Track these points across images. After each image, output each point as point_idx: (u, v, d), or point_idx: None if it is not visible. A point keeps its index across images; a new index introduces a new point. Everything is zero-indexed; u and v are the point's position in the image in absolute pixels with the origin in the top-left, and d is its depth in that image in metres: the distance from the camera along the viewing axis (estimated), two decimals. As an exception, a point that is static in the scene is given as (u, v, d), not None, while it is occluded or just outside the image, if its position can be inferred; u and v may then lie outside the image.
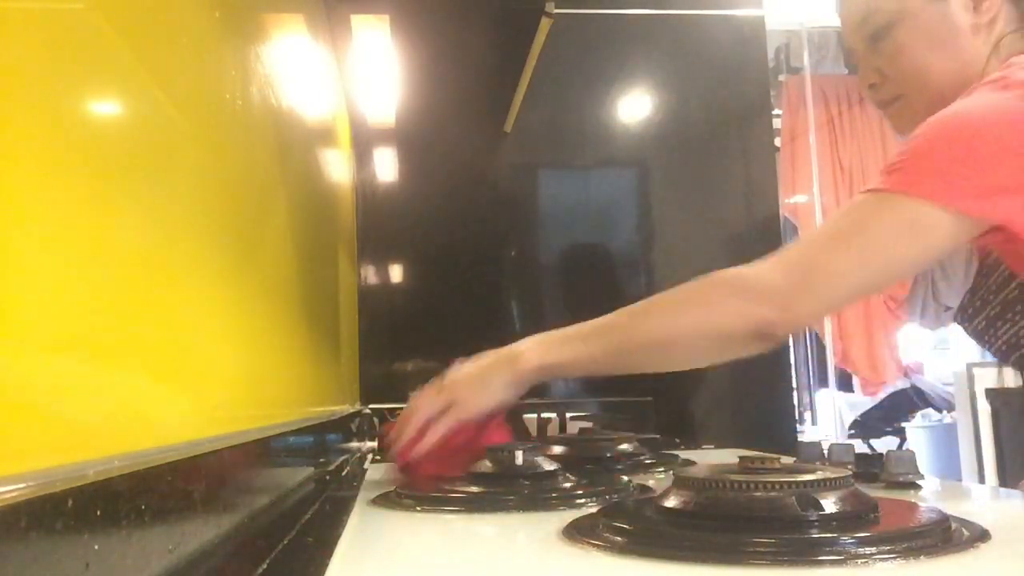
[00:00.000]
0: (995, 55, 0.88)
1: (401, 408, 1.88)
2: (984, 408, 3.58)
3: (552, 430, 1.61)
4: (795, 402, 3.08)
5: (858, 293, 0.81)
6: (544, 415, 1.62)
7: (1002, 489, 0.92)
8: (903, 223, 0.76)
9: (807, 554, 0.49)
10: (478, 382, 0.89)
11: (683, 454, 1.21)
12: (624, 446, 1.13)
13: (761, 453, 0.99)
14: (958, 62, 0.88)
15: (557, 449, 1.11)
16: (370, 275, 2.00)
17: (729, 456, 1.29)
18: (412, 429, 0.88)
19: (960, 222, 0.75)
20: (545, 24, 1.40)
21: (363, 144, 2.02)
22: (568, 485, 0.81)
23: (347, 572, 0.53)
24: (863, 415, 4.44)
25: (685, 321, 0.84)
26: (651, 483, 0.84)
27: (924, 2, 0.89)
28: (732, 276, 0.83)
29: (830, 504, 0.53)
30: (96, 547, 0.36)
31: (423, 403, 0.89)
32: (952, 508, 0.58)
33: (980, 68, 0.87)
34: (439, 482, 0.80)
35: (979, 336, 1.05)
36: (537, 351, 0.88)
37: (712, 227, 2.08)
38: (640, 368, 0.89)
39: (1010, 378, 3.67)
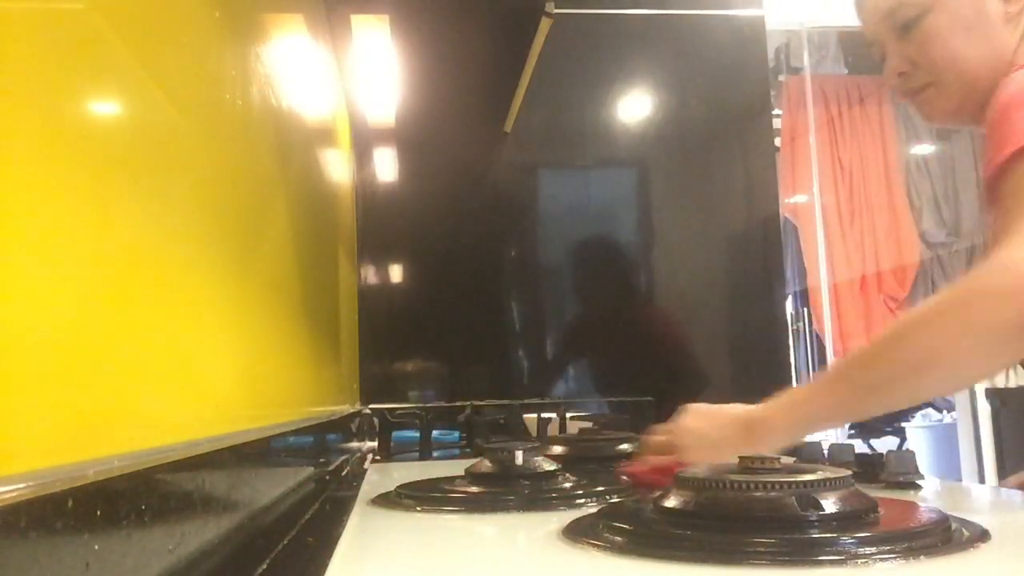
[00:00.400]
0: (1022, 48, 0.89)
1: (401, 408, 1.88)
2: (984, 408, 3.58)
3: (552, 430, 1.61)
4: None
5: None
6: (544, 415, 1.62)
7: (1002, 489, 0.92)
8: None
9: (807, 554, 0.49)
10: (709, 443, 0.83)
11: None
12: (624, 446, 1.13)
13: (761, 453, 0.98)
14: (989, 50, 0.89)
15: (557, 449, 1.11)
16: (370, 275, 2.00)
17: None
18: (642, 462, 0.87)
19: None
20: (545, 24, 1.40)
21: (363, 144, 2.02)
22: (568, 485, 0.81)
23: (347, 572, 0.53)
24: (863, 415, 4.43)
25: (947, 330, 0.72)
26: (651, 483, 0.84)
27: None
28: (982, 269, 0.73)
29: (830, 504, 0.53)
30: (96, 547, 0.36)
31: (655, 444, 0.87)
32: (952, 508, 0.58)
33: (1010, 57, 0.88)
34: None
35: (989, 201, 0.95)
36: (781, 418, 0.80)
37: (712, 227, 2.08)
38: (900, 403, 0.78)
39: (1010, 378, 3.67)
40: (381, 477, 1.10)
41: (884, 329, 0.78)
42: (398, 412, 1.81)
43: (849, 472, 0.58)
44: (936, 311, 0.74)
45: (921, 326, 0.74)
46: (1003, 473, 3.44)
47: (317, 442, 1.12)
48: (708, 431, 0.84)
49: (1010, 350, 0.71)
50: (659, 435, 0.88)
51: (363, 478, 1.07)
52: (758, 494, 0.53)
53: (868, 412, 0.82)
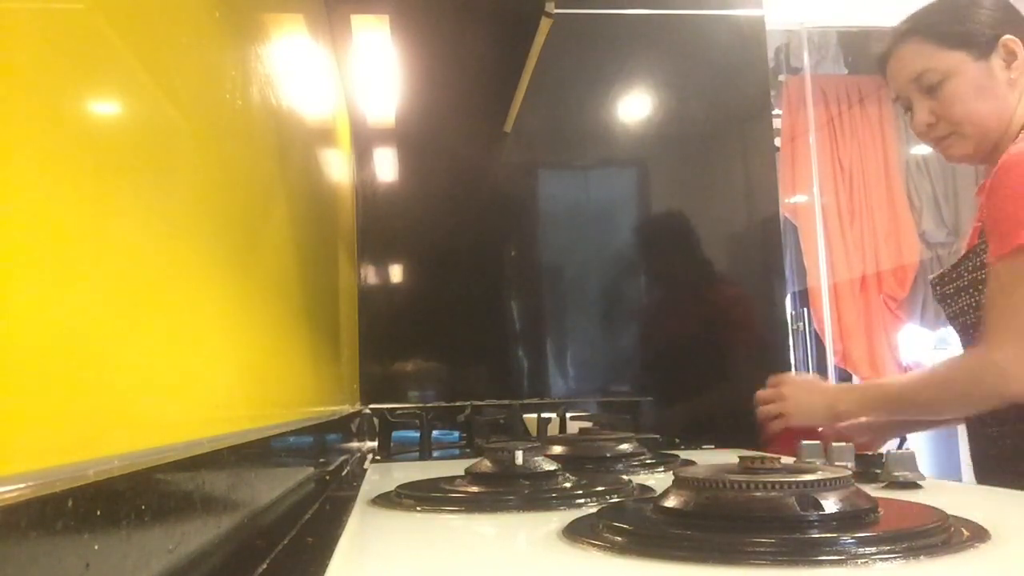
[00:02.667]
0: (1022, 104, 1.14)
1: (401, 408, 1.88)
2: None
3: (552, 430, 1.61)
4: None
5: None
6: (544, 415, 1.62)
7: (1002, 489, 0.91)
8: None
9: (807, 554, 0.49)
10: (807, 407, 1.26)
11: (683, 454, 1.21)
12: (624, 446, 1.13)
13: (761, 453, 0.99)
14: (997, 107, 1.13)
15: (557, 449, 1.11)
16: (370, 275, 2.00)
17: (729, 456, 1.29)
18: (762, 415, 1.30)
19: None
20: (545, 24, 1.40)
21: (363, 144, 2.02)
22: (568, 485, 0.81)
23: (347, 572, 0.53)
24: (863, 415, 4.43)
25: (949, 398, 1.13)
26: (651, 483, 0.84)
27: (971, 62, 1.13)
28: (979, 362, 1.07)
29: (830, 504, 0.53)
30: (96, 547, 0.36)
31: (766, 397, 1.30)
32: (952, 508, 0.58)
33: (1012, 112, 1.13)
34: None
35: (943, 299, 1.25)
36: (850, 405, 1.24)
37: (712, 227, 2.08)
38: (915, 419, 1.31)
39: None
40: (381, 477, 1.10)
41: (923, 380, 1.19)
42: (398, 412, 1.81)
43: (849, 472, 0.58)
44: (949, 382, 1.11)
45: (938, 389, 1.13)
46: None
47: (317, 442, 1.12)
48: (807, 397, 1.25)
49: (985, 409, 1.10)
50: (768, 398, 1.27)
51: (363, 478, 1.07)
52: (758, 494, 0.53)
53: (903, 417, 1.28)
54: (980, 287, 1.12)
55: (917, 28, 1.18)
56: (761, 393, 1.32)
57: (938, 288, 1.26)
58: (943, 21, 1.16)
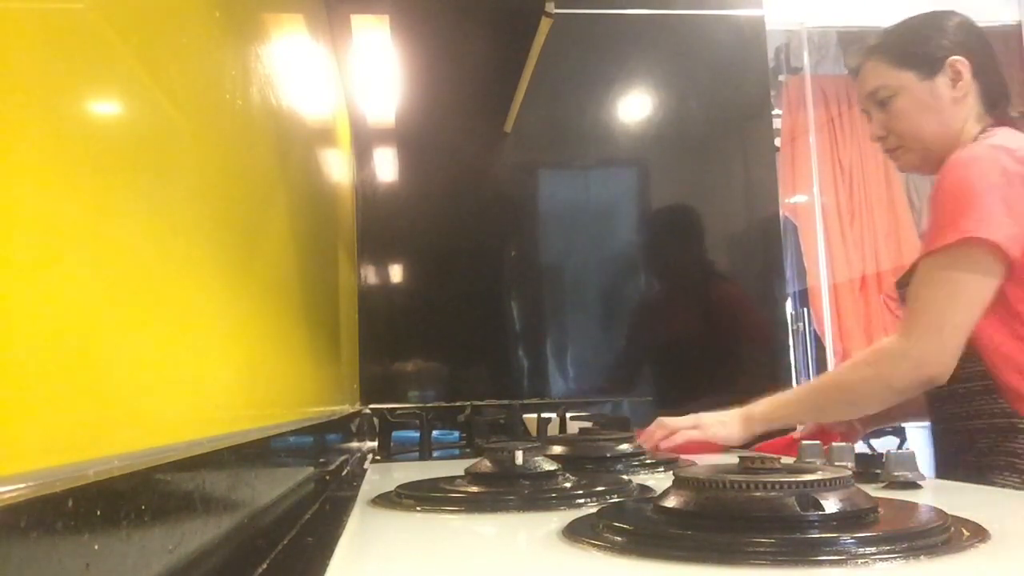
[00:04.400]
0: (968, 123, 1.20)
1: (401, 408, 1.88)
2: (984, 408, 3.57)
3: (552, 430, 1.61)
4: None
5: (967, 330, 1.09)
6: (544, 415, 1.62)
7: (1002, 489, 0.92)
8: (966, 267, 1.07)
9: (807, 554, 0.49)
10: (718, 419, 1.28)
11: (683, 454, 1.21)
12: (624, 446, 1.13)
13: (761, 453, 0.99)
14: (942, 125, 1.21)
15: (557, 449, 1.11)
16: (370, 275, 2.00)
17: (729, 456, 1.29)
18: (663, 431, 1.28)
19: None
20: (545, 24, 1.40)
21: (363, 144, 2.02)
22: (568, 485, 0.81)
23: (347, 572, 0.53)
24: (863, 415, 4.42)
25: (870, 390, 1.16)
26: (651, 483, 0.84)
27: (917, 80, 1.21)
28: (893, 349, 1.13)
29: (830, 504, 0.53)
30: (96, 547, 0.36)
31: (674, 422, 1.29)
32: (952, 508, 0.58)
33: (959, 130, 1.20)
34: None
35: (902, 297, 1.28)
36: (763, 413, 1.26)
37: (712, 227, 2.08)
38: (836, 418, 1.30)
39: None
40: (381, 477, 1.10)
41: (833, 375, 1.31)
42: (398, 412, 1.81)
43: (849, 472, 0.58)
44: (869, 371, 1.16)
45: (852, 385, 1.19)
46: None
47: (317, 442, 1.12)
48: (719, 415, 1.28)
49: (907, 397, 1.16)
50: (670, 421, 1.29)
51: (363, 478, 1.07)
52: (758, 494, 0.53)
53: (813, 421, 1.31)
54: None
55: (878, 47, 1.26)
56: (668, 418, 1.31)
57: (901, 288, 1.29)
58: (898, 42, 1.24)
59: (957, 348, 1.08)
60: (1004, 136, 1.15)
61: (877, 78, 1.25)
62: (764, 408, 1.25)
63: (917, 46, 1.22)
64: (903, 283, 1.27)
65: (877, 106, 1.25)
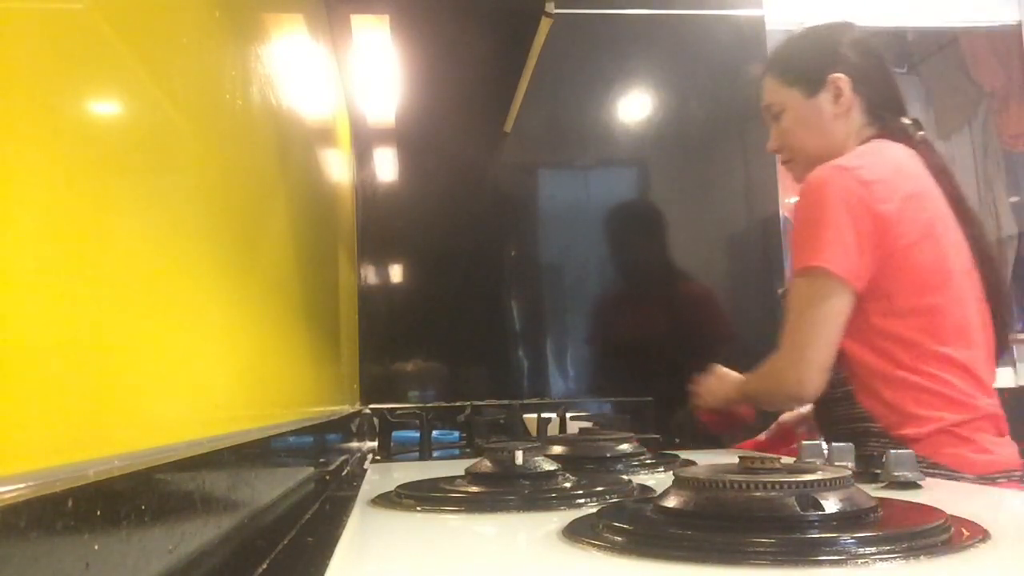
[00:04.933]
0: (851, 137, 1.26)
1: (401, 408, 1.88)
2: (984, 408, 3.57)
3: (552, 430, 1.61)
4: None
5: (832, 347, 1.16)
6: (544, 415, 1.62)
7: (1002, 489, 0.92)
8: (822, 289, 1.15)
9: (807, 554, 0.49)
10: (713, 392, 1.43)
11: (683, 454, 1.21)
12: (624, 446, 1.13)
13: (761, 453, 0.99)
14: (825, 140, 1.26)
15: (557, 449, 1.11)
16: (370, 275, 2.00)
17: (729, 456, 1.29)
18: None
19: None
20: (545, 24, 1.40)
21: (363, 144, 2.02)
22: (568, 485, 0.81)
23: (347, 572, 0.53)
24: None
25: (762, 392, 1.32)
26: (651, 483, 0.84)
27: (802, 98, 1.28)
28: (773, 366, 1.24)
29: (830, 504, 0.53)
30: (96, 547, 0.36)
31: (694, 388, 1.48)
32: (952, 508, 0.58)
33: (841, 143, 1.25)
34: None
35: (784, 308, 1.38)
36: (734, 391, 1.39)
37: (712, 227, 2.08)
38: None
39: (1010, 378, 3.66)
40: (381, 477, 1.10)
41: (752, 377, 1.33)
42: (398, 412, 1.81)
43: (849, 472, 0.58)
44: (762, 387, 1.30)
45: (759, 391, 1.32)
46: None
47: (317, 442, 1.12)
48: (714, 387, 1.43)
49: (787, 407, 1.43)
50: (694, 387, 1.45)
51: (363, 478, 1.07)
52: (758, 494, 0.53)
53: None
54: None
55: (769, 64, 1.36)
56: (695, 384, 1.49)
57: (782, 301, 1.38)
58: (786, 60, 1.33)
59: (820, 366, 1.15)
60: (866, 150, 1.21)
61: (769, 94, 1.33)
62: (736, 387, 1.39)
63: (801, 64, 1.29)
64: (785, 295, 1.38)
65: (772, 120, 1.34)
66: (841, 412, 1.20)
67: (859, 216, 1.12)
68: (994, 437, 1.16)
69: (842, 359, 1.17)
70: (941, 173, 1.24)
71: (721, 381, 1.42)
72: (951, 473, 1.06)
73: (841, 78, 1.25)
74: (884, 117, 1.26)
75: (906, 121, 1.27)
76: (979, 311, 1.20)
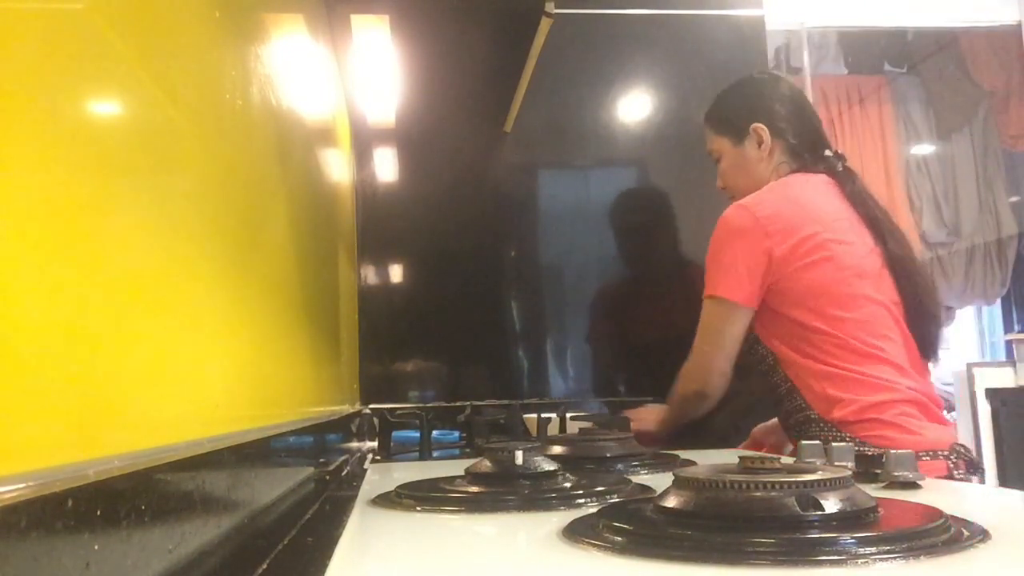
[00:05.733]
0: (774, 173, 1.48)
1: (401, 408, 1.88)
2: (984, 408, 3.58)
3: (552, 430, 1.61)
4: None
5: (727, 356, 1.42)
6: (544, 415, 1.62)
7: (1002, 489, 0.92)
8: (717, 311, 1.41)
9: (807, 554, 0.49)
10: (642, 417, 1.59)
11: (683, 454, 1.21)
12: (624, 446, 1.13)
13: (761, 453, 0.99)
14: (753, 180, 1.48)
15: (557, 449, 1.11)
16: (370, 275, 2.00)
17: (729, 456, 1.29)
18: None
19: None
20: (545, 24, 1.40)
21: (363, 144, 2.02)
22: (568, 485, 0.81)
23: (347, 572, 0.53)
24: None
25: (684, 402, 1.51)
26: (651, 483, 0.84)
27: (732, 146, 1.51)
28: (684, 370, 1.49)
29: (830, 504, 0.53)
30: (96, 547, 0.36)
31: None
32: (952, 508, 0.58)
33: (766, 180, 1.46)
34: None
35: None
36: (658, 417, 1.58)
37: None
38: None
39: (1010, 378, 3.67)
40: (381, 477, 1.10)
41: (673, 394, 1.54)
42: (398, 412, 1.81)
43: (849, 472, 0.58)
44: (679, 394, 1.51)
45: (680, 399, 1.51)
46: (1003, 473, 3.44)
47: (317, 442, 1.12)
48: (644, 417, 1.58)
49: (697, 410, 1.50)
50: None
51: (363, 478, 1.07)
52: (758, 494, 0.53)
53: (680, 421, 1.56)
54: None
55: (706, 117, 1.56)
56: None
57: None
58: (716, 113, 1.54)
59: (720, 372, 1.42)
60: (769, 187, 1.43)
61: (708, 142, 1.56)
62: (665, 412, 1.57)
63: (729, 115, 1.51)
64: None
65: (716, 163, 1.56)
66: (788, 405, 1.40)
67: (751, 248, 1.36)
68: (920, 420, 1.32)
69: (780, 361, 1.39)
70: (856, 197, 1.44)
71: (651, 411, 1.61)
72: (878, 450, 1.16)
73: (760, 127, 1.47)
74: (804, 155, 1.47)
75: (828, 154, 1.48)
76: (893, 310, 1.38)
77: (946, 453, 1.29)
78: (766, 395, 1.47)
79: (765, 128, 1.47)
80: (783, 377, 1.39)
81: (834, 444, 0.87)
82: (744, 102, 1.52)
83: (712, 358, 1.42)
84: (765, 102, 1.50)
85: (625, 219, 2.10)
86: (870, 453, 1.14)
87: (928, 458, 1.25)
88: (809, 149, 1.48)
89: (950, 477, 1.26)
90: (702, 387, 1.44)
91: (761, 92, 1.52)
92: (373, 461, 1.41)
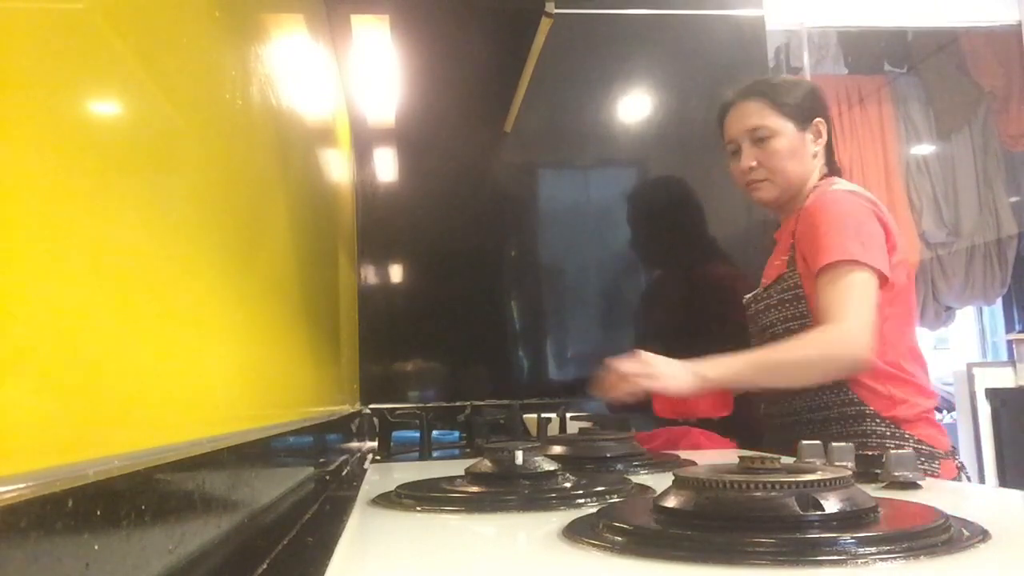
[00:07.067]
0: (815, 172, 1.47)
1: (401, 408, 1.87)
2: (984, 408, 3.58)
3: (552, 430, 1.61)
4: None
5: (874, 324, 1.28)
6: (544, 415, 1.62)
7: (1002, 489, 0.92)
8: (860, 278, 1.29)
9: (807, 554, 0.49)
10: (671, 372, 1.30)
11: (683, 454, 1.21)
12: (624, 446, 1.13)
13: (761, 453, 0.99)
14: (803, 170, 1.46)
15: (557, 449, 1.11)
16: (370, 275, 2.00)
17: (729, 456, 1.29)
18: (615, 375, 1.33)
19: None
20: (545, 24, 1.40)
21: (363, 144, 2.02)
22: (568, 485, 0.81)
23: (347, 572, 0.53)
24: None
25: (814, 361, 1.30)
26: (651, 483, 0.84)
27: (795, 130, 1.45)
28: (830, 332, 1.28)
29: (830, 504, 0.53)
30: (96, 547, 0.36)
31: (627, 364, 1.32)
32: (952, 508, 0.58)
33: (809, 177, 1.46)
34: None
35: (754, 315, 1.51)
36: (711, 369, 1.30)
37: (712, 227, 2.08)
38: (776, 385, 1.39)
39: (1010, 378, 3.67)
40: (381, 477, 1.10)
41: (784, 347, 1.32)
42: (398, 412, 1.81)
43: (849, 472, 0.58)
44: (807, 356, 1.30)
45: (798, 361, 1.31)
46: (1003, 473, 3.44)
47: (317, 442, 1.12)
48: (671, 364, 1.31)
49: (838, 376, 1.33)
50: (629, 365, 1.32)
51: (363, 478, 1.07)
52: (758, 494, 0.53)
53: (752, 389, 1.43)
54: (787, 306, 1.42)
55: (761, 91, 1.49)
56: (619, 361, 1.34)
57: (751, 305, 1.53)
58: (781, 93, 1.48)
59: (873, 334, 1.27)
60: (845, 184, 1.43)
61: (758, 118, 1.47)
62: (718, 370, 1.30)
63: (797, 100, 1.47)
64: (755, 300, 1.52)
65: (753, 142, 1.47)
66: (832, 398, 1.36)
67: (878, 230, 1.33)
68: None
69: None
70: None
71: (674, 363, 1.32)
72: (931, 449, 1.32)
73: (822, 123, 1.48)
74: (831, 163, 1.51)
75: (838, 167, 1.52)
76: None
77: (952, 453, 1.36)
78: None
79: (825, 127, 1.49)
80: None
81: (834, 444, 0.87)
82: (808, 95, 1.50)
83: (868, 319, 1.27)
84: (823, 102, 1.52)
85: (625, 219, 2.10)
86: (922, 448, 1.30)
87: (948, 458, 1.33)
88: (832, 159, 1.52)
89: (958, 477, 1.36)
90: (862, 352, 1.27)
91: (818, 94, 1.53)
92: (373, 461, 1.41)
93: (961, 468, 1.37)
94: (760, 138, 1.46)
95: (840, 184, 1.44)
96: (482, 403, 1.85)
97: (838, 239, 1.30)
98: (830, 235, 1.32)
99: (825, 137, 1.48)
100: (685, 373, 1.29)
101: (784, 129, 1.45)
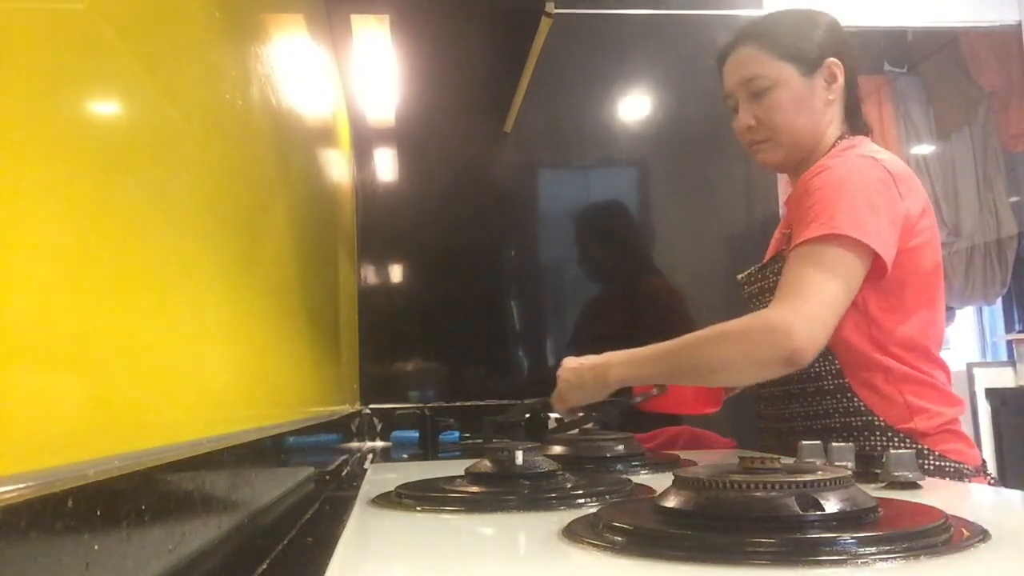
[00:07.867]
0: (832, 126, 1.21)
1: (401, 408, 1.88)
2: (984, 408, 3.58)
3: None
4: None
5: (838, 316, 1.05)
6: (544, 415, 1.62)
7: (1002, 489, 0.92)
8: (841, 258, 1.05)
9: (807, 554, 0.49)
10: (576, 384, 1.21)
11: (683, 454, 1.21)
12: (624, 446, 1.13)
13: (761, 453, 0.99)
14: (812, 123, 1.19)
15: (557, 449, 1.11)
16: (370, 275, 2.00)
17: (729, 456, 1.29)
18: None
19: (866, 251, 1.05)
20: (545, 24, 1.40)
21: (363, 144, 2.02)
22: (568, 485, 0.81)
23: (347, 572, 0.53)
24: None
25: (732, 354, 1.07)
26: (651, 483, 0.84)
27: (798, 75, 1.18)
28: (763, 319, 1.06)
29: (830, 504, 0.53)
30: (96, 547, 0.36)
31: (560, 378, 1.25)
32: (952, 508, 0.58)
33: (824, 132, 1.20)
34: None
35: (748, 298, 1.31)
36: (618, 367, 1.16)
37: (712, 227, 2.08)
38: (692, 384, 1.23)
39: (1010, 378, 3.66)
40: (381, 477, 1.10)
41: (698, 333, 1.10)
42: (398, 412, 1.81)
43: (849, 472, 0.58)
44: (731, 337, 1.07)
45: (719, 344, 1.07)
46: (1003, 473, 3.44)
47: (317, 442, 1.12)
48: (574, 375, 1.22)
49: (768, 373, 1.09)
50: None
51: (363, 478, 1.07)
52: (758, 494, 0.53)
53: (673, 384, 1.20)
54: None
55: (756, 34, 1.22)
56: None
57: (745, 287, 1.34)
58: (780, 33, 1.20)
59: (825, 326, 1.03)
60: (868, 147, 1.17)
61: (754, 66, 1.20)
62: (621, 369, 1.15)
63: (799, 40, 1.19)
64: (749, 281, 1.32)
65: (751, 96, 1.21)
66: (834, 404, 1.15)
67: (892, 202, 1.08)
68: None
69: (835, 350, 1.13)
70: None
71: (580, 369, 1.22)
72: (957, 465, 1.10)
73: (836, 64, 1.19)
74: (854, 115, 1.23)
75: (864, 125, 1.25)
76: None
77: (983, 468, 1.15)
78: (782, 386, 1.21)
79: (841, 68, 1.19)
80: (835, 370, 1.14)
81: (833, 444, 0.87)
82: (817, 28, 1.21)
83: (825, 305, 1.03)
84: (840, 36, 1.22)
85: (625, 219, 2.10)
86: (947, 465, 1.08)
87: (979, 475, 1.12)
88: (854, 114, 1.24)
89: None
90: (803, 344, 1.01)
91: (834, 25, 1.23)
92: (373, 461, 1.41)
93: (995, 484, 1.15)
94: (757, 91, 1.20)
95: (866, 147, 1.17)
96: (482, 403, 1.85)
97: (826, 213, 1.06)
98: (816, 208, 1.08)
99: (841, 80, 1.19)
100: (592, 380, 1.18)
101: (785, 76, 1.18)
